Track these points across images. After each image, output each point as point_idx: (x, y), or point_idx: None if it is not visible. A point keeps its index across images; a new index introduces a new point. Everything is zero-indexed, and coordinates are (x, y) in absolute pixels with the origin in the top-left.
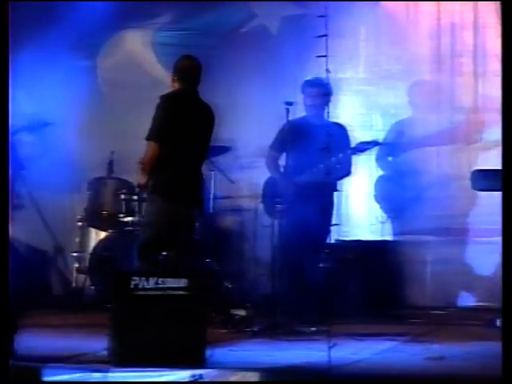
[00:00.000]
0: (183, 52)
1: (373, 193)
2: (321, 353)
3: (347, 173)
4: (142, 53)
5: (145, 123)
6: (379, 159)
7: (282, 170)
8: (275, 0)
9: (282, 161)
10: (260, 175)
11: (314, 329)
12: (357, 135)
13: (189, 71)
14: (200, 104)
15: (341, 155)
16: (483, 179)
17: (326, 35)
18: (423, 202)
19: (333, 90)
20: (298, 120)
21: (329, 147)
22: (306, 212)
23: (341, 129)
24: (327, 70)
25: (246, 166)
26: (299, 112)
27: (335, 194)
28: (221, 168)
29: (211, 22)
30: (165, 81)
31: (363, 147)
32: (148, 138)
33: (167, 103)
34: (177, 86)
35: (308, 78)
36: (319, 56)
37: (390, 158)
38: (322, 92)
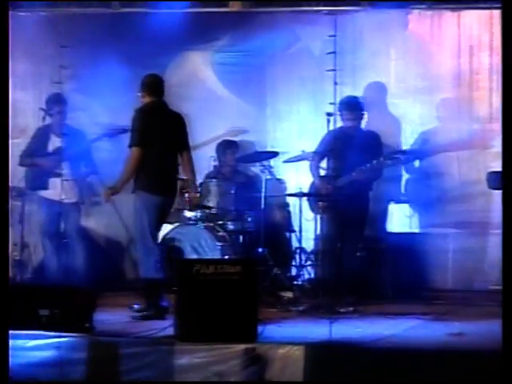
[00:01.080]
0: (239, 70)
1: (402, 191)
2: (357, 329)
3: (380, 175)
4: (203, 71)
5: (206, 132)
6: (408, 163)
7: (323, 172)
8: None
9: (324, 164)
10: (303, 176)
11: (351, 309)
12: (387, 142)
13: (155, 86)
14: (170, 112)
15: (375, 161)
16: (497, 179)
17: (334, 52)
18: (446, 199)
19: (364, 106)
20: (338, 130)
21: (364, 154)
22: (345, 208)
23: (375, 137)
24: (335, 83)
25: (291, 168)
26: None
27: (370, 193)
28: (270, 170)
29: (262, 44)
30: (223, 95)
31: (394, 155)
32: (131, 145)
33: (143, 115)
34: (147, 99)
35: (344, 96)
36: (328, 70)
37: (417, 162)
38: (356, 108)
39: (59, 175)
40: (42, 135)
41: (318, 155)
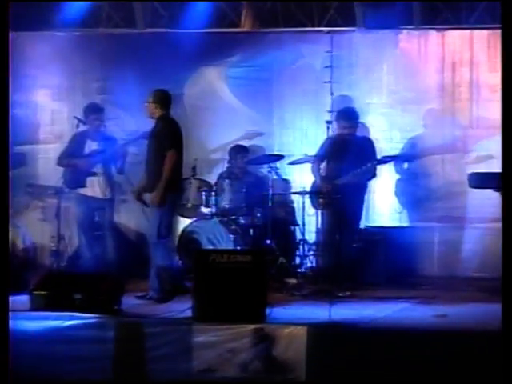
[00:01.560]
0: (249, 83)
1: (393, 190)
2: (353, 311)
3: (373, 176)
4: (217, 84)
5: (220, 137)
6: (398, 165)
7: (323, 173)
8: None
9: (324, 166)
10: (306, 176)
11: (348, 293)
12: (381, 146)
13: (168, 99)
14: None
15: (369, 164)
16: (477, 179)
17: (331, 66)
18: (431, 197)
19: (359, 115)
20: (336, 136)
21: (359, 157)
22: (342, 205)
23: (369, 143)
24: (331, 93)
25: (295, 169)
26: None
27: (364, 191)
28: (277, 171)
29: (270, 60)
30: (235, 105)
31: (386, 160)
32: (168, 149)
33: (170, 123)
34: (159, 111)
35: (341, 107)
36: (326, 82)
37: (406, 164)
38: (352, 117)
39: (95, 174)
40: (78, 140)
41: (319, 158)
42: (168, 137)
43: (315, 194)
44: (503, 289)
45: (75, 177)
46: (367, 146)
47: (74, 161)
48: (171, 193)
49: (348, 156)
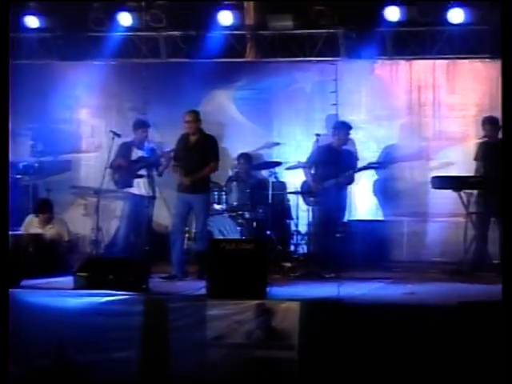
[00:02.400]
0: (253, 103)
1: (371, 190)
2: (337, 289)
3: (352, 181)
4: (227, 104)
5: (229, 147)
6: (375, 169)
7: (313, 176)
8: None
9: (313, 170)
10: (299, 179)
11: (333, 275)
12: (361, 155)
13: (200, 118)
14: None
15: (351, 170)
16: (438, 182)
17: (336, 91)
18: (401, 196)
19: (351, 129)
20: (325, 146)
21: (342, 164)
22: (329, 202)
23: (351, 153)
24: (336, 115)
25: (291, 173)
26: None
27: (347, 192)
28: (275, 175)
29: (270, 84)
30: (241, 121)
31: (366, 167)
32: (214, 160)
33: (214, 139)
34: (196, 128)
35: (337, 121)
36: (333, 104)
37: (381, 169)
38: (344, 130)
39: (141, 176)
40: (127, 148)
41: (310, 164)
42: (215, 150)
43: (307, 193)
44: (504, 285)
45: (124, 178)
46: (349, 156)
47: (123, 165)
48: (205, 193)
49: (333, 163)
